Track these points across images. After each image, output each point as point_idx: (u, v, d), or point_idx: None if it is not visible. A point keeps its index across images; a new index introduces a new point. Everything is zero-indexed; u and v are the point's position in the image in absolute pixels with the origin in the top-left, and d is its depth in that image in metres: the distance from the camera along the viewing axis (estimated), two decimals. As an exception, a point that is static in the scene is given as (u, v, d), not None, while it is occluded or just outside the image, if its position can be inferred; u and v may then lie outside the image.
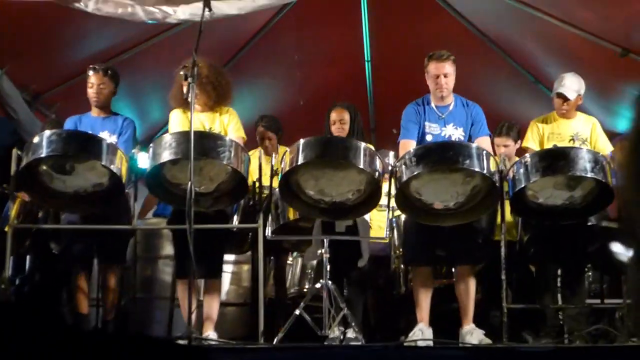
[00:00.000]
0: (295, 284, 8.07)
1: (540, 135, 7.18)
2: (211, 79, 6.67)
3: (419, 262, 6.68)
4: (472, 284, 6.55)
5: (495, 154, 7.49)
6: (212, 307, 6.65)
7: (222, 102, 6.81)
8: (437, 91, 6.73)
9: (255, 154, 7.20)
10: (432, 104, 6.80)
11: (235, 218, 7.04)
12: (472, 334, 6.35)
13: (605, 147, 7.05)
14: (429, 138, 6.67)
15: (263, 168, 6.63)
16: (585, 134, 7.12)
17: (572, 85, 7.10)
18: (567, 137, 7.09)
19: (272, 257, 7.92)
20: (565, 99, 7.11)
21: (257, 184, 6.63)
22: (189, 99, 5.85)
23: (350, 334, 6.52)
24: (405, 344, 6.37)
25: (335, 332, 6.37)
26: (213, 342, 6.30)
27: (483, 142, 6.55)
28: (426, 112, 6.78)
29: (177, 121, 6.77)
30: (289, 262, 8.13)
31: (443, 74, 6.70)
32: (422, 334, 6.36)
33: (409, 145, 6.56)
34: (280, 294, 7.87)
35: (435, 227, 6.43)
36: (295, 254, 8.16)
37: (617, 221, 6.78)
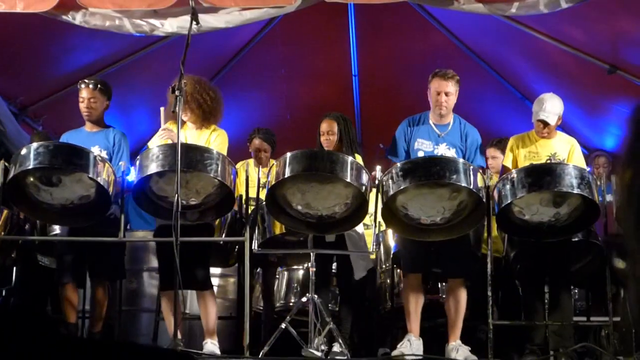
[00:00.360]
0: (281, 297, 8.05)
1: (515, 155, 7.12)
2: (195, 96, 6.65)
3: (413, 269, 6.67)
4: (462, 299, 6.51)
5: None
6: (208, 318, 6.62)
7: (210, 119, 6.78)
8: (437, 108, 6.74)
9: (242, 167, 7.19)
10: (431, 122, 6.81)
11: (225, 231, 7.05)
12: (458, 351, 6.33)
13: None
14: (420, 154, 6.67)
15: (252, 179, 6.64)
16: (562, 155, 7.01)
17: (552, 109, 6.98)
18: (544, 157, 7.00)
19: (257, 271, 7.91)
20: (546, 124, 7.02)
21: (243, 197, 6.62)
22: (177, 112, 5.83)
23: (337, 348, 6.50)
24: (392, 357, 6.35)
25: (319, 345, 6.34)
26: (197, 355, 6.28)
27: None
28: (420, 130, 6.78)
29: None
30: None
31: (444, 92, 6.70)
32: (410, 345, 6.35)
33: None
34: (267, 308, 7.84)
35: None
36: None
37: (615, 237, 6.77)
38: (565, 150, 7.05)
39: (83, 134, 7.03)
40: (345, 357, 6.31)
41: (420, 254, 6.61)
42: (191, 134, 6.71)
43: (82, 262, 6.88)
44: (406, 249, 6.77)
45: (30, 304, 7.81)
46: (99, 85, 6.99)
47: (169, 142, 6.45)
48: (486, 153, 7.96)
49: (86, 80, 7.02)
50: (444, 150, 6.68)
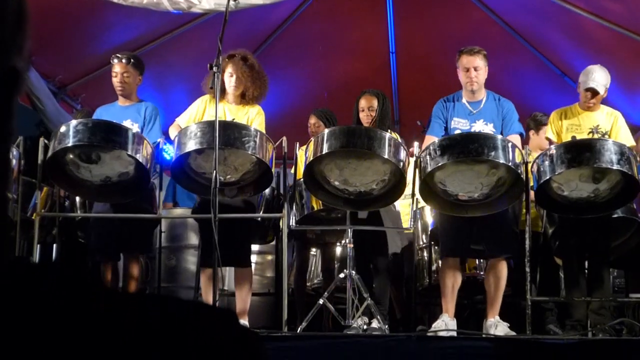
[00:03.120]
0: (319, 274, 8.08)
1: (559, 127, 7.09)
2: (261, 75, 6.73)
3: (452, 253, 6.66)
4: (503, 275, 6.45)
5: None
6: (242, 297, 6.65)
7: (259, 98, 6.83)
8: (468, 85, 6.69)
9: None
10: (464, 100, 6.77)
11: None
12: (497, 327, 6.31)
13: (627, 141, 6.88)
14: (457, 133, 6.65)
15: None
16: (606, 127, 6.96)
17: (601, 79, 6.93)
18: (587, 130, 6.96)
19: (294, 248, 7.94)
20: (594, 93, 6.96)
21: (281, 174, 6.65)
22: (216, 88, 5.86)
23: (375, 324, 6.52)
24: (428, 333, 6.36)
25: (358, 322, 6.36)
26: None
27: (513, 140, 6.49)
28: (455, 108, 6.75)
29: (198, 107, 6.79)
30: (312, 252, 8.13)
31: (474, 67, 6.65)
32: (445, 325, 6.33)
33: (430, 140, 6.52)
34: (300, 285, 7.85)
35: (466, 219, 6.41)
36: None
37: None
38: (608, 122, 7.00)
39: (116, 108, 7.08)
40: (384, 333, 6.32)
41: (459, 237, 6.57)
42: (230, 108, 6.73)
43: (117, 239, 6.94)
44: (445, 231, 6.74)
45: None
46: (131, 60, 7.02)
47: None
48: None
49: (119, 55, 7.04)
50: (481, 126, 6.63)
